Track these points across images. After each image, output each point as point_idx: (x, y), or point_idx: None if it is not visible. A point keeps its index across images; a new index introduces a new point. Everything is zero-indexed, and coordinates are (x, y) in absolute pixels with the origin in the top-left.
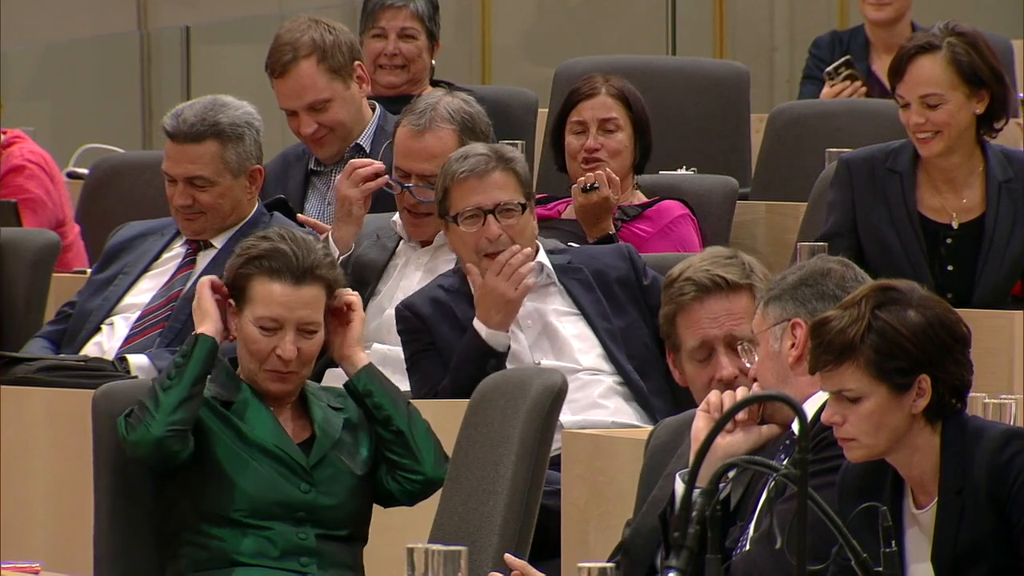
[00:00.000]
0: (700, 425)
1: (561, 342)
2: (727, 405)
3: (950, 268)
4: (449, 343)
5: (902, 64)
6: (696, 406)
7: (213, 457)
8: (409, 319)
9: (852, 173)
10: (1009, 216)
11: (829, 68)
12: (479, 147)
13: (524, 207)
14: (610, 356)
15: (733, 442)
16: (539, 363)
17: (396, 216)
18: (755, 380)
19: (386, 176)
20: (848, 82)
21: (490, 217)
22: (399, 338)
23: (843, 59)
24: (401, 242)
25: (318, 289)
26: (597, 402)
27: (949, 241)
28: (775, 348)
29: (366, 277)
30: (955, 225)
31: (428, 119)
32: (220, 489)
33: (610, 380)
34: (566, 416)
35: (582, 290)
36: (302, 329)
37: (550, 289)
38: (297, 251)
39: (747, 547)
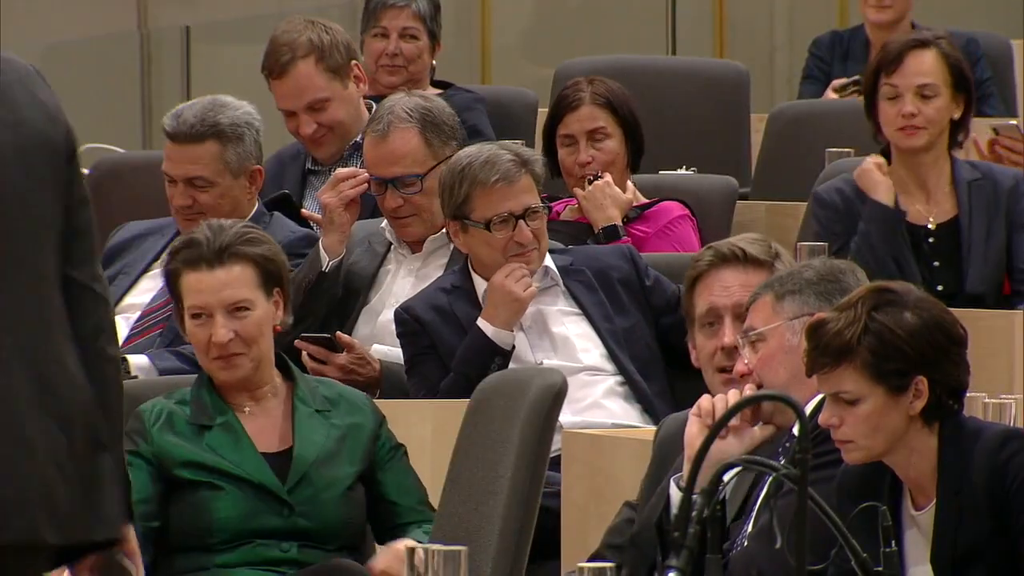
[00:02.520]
0: (693, 431)
1: (563, 342)
2: (719, 410)
3: (936, 264)
4: (450, 345)
5: (900, 55)
6: (705, 389)
7: (188, 486)
8: (408, 322)
9: (824, 205)
10: (983, 212)
11: (837, 84)
12: (498, 150)
13: (548, 208)
14: (612, 356)
15: (725, 447)
16: (541, 363)
17: (386, 221)
18: (743, 376)
19: (366, 184)
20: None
21: (521, 222)
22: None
23: (854, 78)
24: (392, 248)
25: (240, 267)
26: (599, 403)
27: (931, 240)
28: (793, 342)
29: (357, 286)
30: (932, 226)
31: (387, 123)
32: (196, 518)
33: (611, 380)
34: (567, 416)
35: (585, 291)
36: (232, 310)
37: (553, 290)
38: (210, 235)
39: (745, 543)
